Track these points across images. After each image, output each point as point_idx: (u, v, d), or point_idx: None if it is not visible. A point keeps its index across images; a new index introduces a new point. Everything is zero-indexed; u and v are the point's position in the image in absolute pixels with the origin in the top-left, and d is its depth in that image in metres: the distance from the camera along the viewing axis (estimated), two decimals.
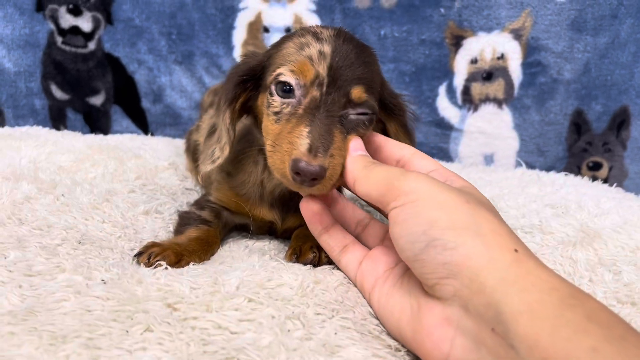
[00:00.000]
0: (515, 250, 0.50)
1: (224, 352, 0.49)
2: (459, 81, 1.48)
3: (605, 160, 1.49)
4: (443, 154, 1.53)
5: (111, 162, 1.03)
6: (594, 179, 1.31)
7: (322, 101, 0.67)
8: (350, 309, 0.61)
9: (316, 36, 0.71)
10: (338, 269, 0.70)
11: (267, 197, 0.81)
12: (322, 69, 0.67)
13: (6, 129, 1.25)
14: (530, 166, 1.45)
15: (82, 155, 1.03)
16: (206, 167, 0.76)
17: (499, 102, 1.47)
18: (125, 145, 1.17)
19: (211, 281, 0.61)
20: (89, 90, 1.53)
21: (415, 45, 1.48)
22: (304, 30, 0.73)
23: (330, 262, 0.72)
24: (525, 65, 1.45)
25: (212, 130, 0.79)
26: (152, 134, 1.55)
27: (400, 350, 0.56)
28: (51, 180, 0.89)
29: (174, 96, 1.54)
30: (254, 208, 0.82)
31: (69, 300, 0.56)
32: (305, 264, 0.71)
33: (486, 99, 1.48)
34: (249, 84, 0.75)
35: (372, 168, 0.63)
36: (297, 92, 0.68)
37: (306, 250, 0.73)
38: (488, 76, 1.46)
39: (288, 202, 0.82)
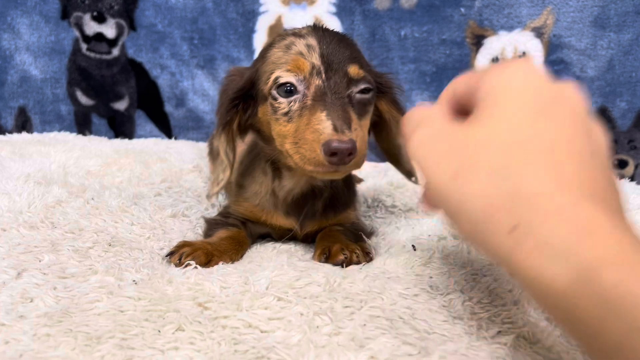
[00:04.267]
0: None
1: (254, 351, 0.50)
2: None
3: (631, 158, 1.46)
4: None
5: (137, 166, 1.04)
6: (620, 177, 1.28)
7: (326, 87, 0.68)
8: (378, 295, 0.61)
9: (297, 35, 0.73)
10: (366, 266, 0.71)
11: (281, 205, 0.82)
12: (316, 59, 0.70)
13: (35, 135, 1.28)
14: None
15: (109, 159, 1.05)
16: (213, 189, 0.78)
17: None
18: (150, 149, 1.19)
19: (241, 281, 0.62)
20: (113, 96, 1.55)
21: (436, 45, 1.47)
22: (283, 35, 0.76)
23: (359, 262, 0.72)
24: (548, 63, 1.43)
25: (214, 152, 0.81)
26: (176, 138, 1.57)
27: (430, 333, 0.56)
28: (80, 184, 0.90)
29: (196, 100, 1.56)
30: (271, 217, 0.83)
31: (102, 301, 0.57)
32: (336, 265, 0.71)
33: None
34: (241, 104, 0.76)
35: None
36: (300, 87, 0.69)
37: (337, 251, 0.73)
38: None
39: (303, 208, 0.82)
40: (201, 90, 1.56)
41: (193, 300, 0.57)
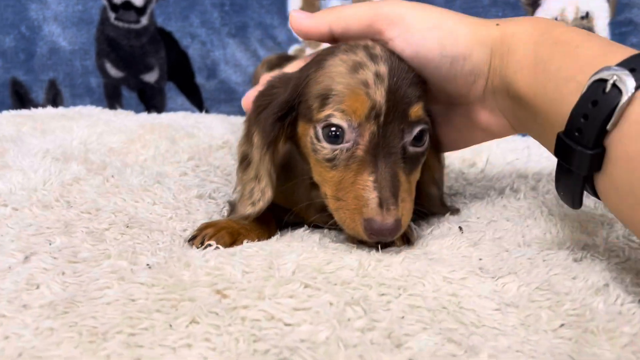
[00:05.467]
0: (497, 25, 0.64)
1: (276, 351, 0.43)
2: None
3: None
4: None
5: (163, 143, 0.99)
6: None
7: (381, 135, 0.60)
8: (419, 280, 0.54)
9: (370, 53, 0.62)
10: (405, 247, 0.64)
11: (314, 206, 0.72)
12: (380, 96, 0.59)
13: (60, 109, 1.24)
14: None
15: (133, 135, 1.00)
16: (246, 209, 0.67)
17: None
18: (178, 124, 1.13)
19: (265, 265, 0.56)
20: (143, 67, 1.50)
21: (487, 6, 1.36)
22: (353, 46, 0.64)
23: (396, 245, 0.65)
24: (614, 24, 1.30)
25: (245, 160, 0.69)
26: (207, 111, 1.51)
27: (478, 326, 0.49)
28: (101, 161, 0.86)
29: (228, 71, 1.50)
30: (302, 211, 0.75)
31: (112, 287, 0.52)
32: (371, 247, 0.64)
33: None
34: (288, 118, 0.67)
35: (341, 8, 0.68)
36: (351, 135, 0.60)
37: None
38: None
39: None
40: (233, 61, 1.49)
41: (211, 287, 0.51)
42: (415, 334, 0.46)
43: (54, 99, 1.53)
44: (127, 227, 0.65)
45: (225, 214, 0.78)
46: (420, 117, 0.62)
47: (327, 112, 0.61)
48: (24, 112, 1.16)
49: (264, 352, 0.43)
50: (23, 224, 0.64)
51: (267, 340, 0.45)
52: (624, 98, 0.47)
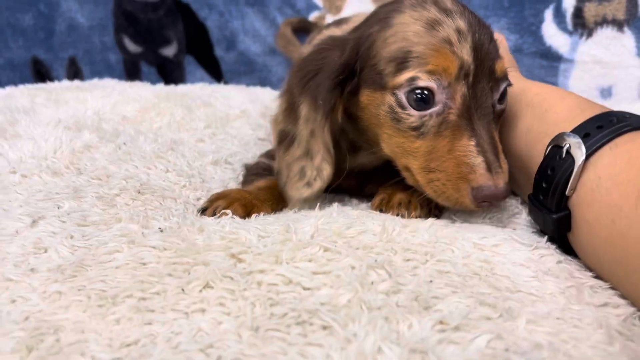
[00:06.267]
0: None
1: (294, 315, 0.40)
2: (569, 2, 1.25)
3: None
4: None
5: (178, 110, 0.96)
6: None
7: (472, 96, 0.55)
8: (447, 247, 0.51)
9: (442, 8, 0.57)
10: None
11: (344, 171, 0.67)
12: (467, 54, 0.55)
13: (75, 82, 1.23)
14: None
15: (148, 104, 0.97)
16: (300, 192, 0.61)
17: (619, 24, 1.24)
18: (194, 94, 1.11)
19: (282, 229, 0.52)
20: (161, 41, 1.48)
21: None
22: (420, 0, 0.58)
23: (420, 216, 0.61)
24: None
25: (285, 139, 0.63)
26: (227, 83, 1.48)
27: (513, 292, 0.45)
28: (114, 129, 0.83)
29: (248, 42, 1.46)
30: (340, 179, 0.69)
31: (122, 251, 0.50)
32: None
33: (603, 22, 1.25)
34: (348, 85, 0.60)
35: None
36: (441, 97, 0.55)
37: (397, 201, 0.62)
38: None
39: (368, 175, 0.70)
40: (252, 31, 1.45)
41: (225, 251, 0.49)
42: (445, 296, 0.43)
43: (75, 77, 1.51)
44: (139, 192, 0.63)
45: (242, 179, 0.75)
46: (505, 72, 0.58)
47: (409, 74, 0.55)
48: (39, 85, 1.15)
49: (281, 316, 0.41)
50: (32, 190, 0.62)
51: (284, 304, 0.42)
52: (576, 166, 0.48)
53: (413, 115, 0.56)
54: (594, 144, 0.49)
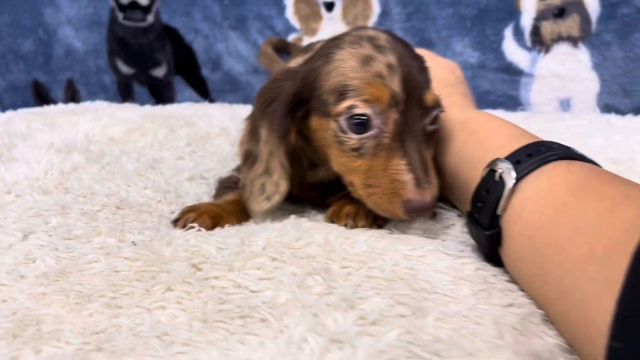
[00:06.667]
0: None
1: (239, 310, 0.48)
2: (527, 21, 1.35)
3: None
4: (512, 101, 1.41)
5: (161, 131, 1.03)
6: None
7: (403, 122, 0.62)
8: (379, 256, 0.57)
9: (375, 44, 0.64)
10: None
11: (306, 185, 0.76)
12: (396, 86, 0.61)
13: (70, 105, 1.31)
14: (615, 109, 1.30)
15: (134, 125, 1.05)
16: (261, 205, 0.68)
17: (574, 41, 1.33)
18: (179, 114, 1.18)
19: (238, 242, 0.60)
20: (152, 63, 1.57)
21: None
22: (356, 36, 0.66)
23: (365, 227, 0.67)
24: None
25: (249, 158, 0.70)
26: (213, 102, 1.57)
27: (430, 293, 0.51)
28: (100, 151, 0.91)
29: (231, 62, 1.55)
30: (293, 188, 0.75)
31: (99, 261, 0.57)
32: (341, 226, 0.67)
33: (559, 38, 1.33)
34: (298, 112, 0.68)
35: None
36: (376, 122, 0.62)
37: (345, 213, 0.68)
38: (560, 12, 1.31)
39: (327, 188, 0.76)
40: (235, 52, 1.54)
41: (187, 262, 0.56)
42: (369, 297, 0.49)
43: (73, 97, 1.61)
44: (118, 208, 0.71)
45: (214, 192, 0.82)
46: (435, 101, 0.65)
47: (347, 103, 0.62)
48: (37, 109, 1.23)
49: (227, 311, 0.48)
50: (24, 207, 0.70)
51: (232, 302, 0.49)
52: (506, 189, 0.54)
53: (353, 138, 0.63)
54: (523, 170, 0.54)
